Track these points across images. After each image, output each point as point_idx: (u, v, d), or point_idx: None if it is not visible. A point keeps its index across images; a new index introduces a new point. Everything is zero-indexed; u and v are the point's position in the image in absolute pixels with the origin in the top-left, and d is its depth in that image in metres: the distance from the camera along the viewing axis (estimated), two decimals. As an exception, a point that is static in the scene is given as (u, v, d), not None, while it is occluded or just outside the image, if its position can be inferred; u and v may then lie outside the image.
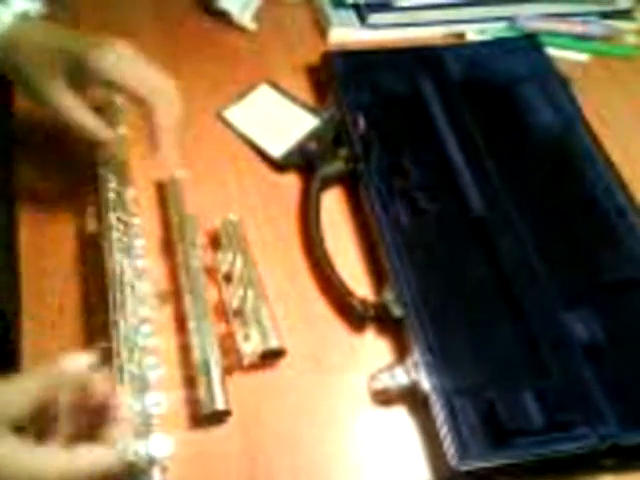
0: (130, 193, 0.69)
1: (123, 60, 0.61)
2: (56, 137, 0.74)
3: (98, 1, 0.88)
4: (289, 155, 0.77)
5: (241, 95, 0.81)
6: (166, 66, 0.73)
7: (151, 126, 0.62)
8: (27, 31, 0.63)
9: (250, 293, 0.64)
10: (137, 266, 0.64)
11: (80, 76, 0.62)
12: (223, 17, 0.88)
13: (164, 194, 0.71)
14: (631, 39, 0.96)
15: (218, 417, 0.59)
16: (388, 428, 0.62)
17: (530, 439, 0.59)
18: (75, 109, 0.63)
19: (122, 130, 0.73)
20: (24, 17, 0.64)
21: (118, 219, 0.66)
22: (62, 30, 0.64)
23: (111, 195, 0.67)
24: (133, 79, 0.62)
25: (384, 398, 0.62)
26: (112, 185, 0.68)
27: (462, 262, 0.70)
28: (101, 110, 0.71)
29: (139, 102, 0.62)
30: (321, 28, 0.91)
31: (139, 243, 0.66)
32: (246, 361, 0.61)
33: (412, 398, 0.62)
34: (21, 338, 0.62)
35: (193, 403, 0.60)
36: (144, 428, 0.55)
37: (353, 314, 0.66)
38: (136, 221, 0.67)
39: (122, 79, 0.61)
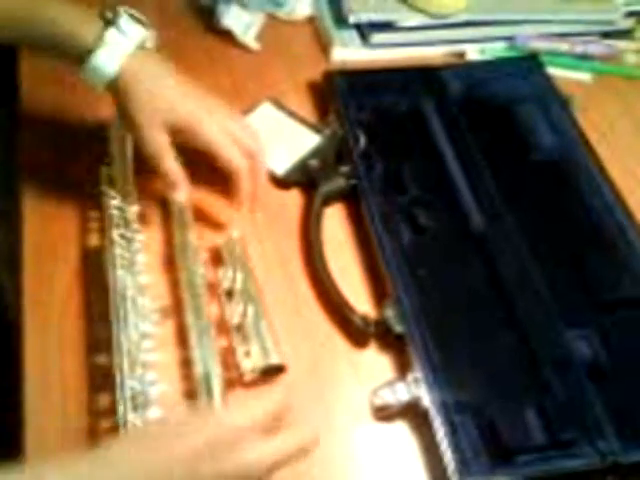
0: (133, 209, 0.69)
1: (222, 134, 0.68)
2: (62, 152, 0.75)
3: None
4: (291, 172, 0.77)
5: (244, 113, 0.82)
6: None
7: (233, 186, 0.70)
8: (139, 71, 0.65)
9: (251, 309, 0.64)
10: (139, 282, 0.65)
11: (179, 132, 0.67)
12: (226, 35, 0.89)
13: (167, 211, 0.72)
14: (632, 59, 0.97)
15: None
16: (389, 444, 0.62)
17: (531, 456, 0.59)
18: (167, 158, 0.67)
19: (129, 152, 0.73)
20: (141, 47, 0.66)
21: (121, 235, 0.66)
22: (172, 79, 0.67)
23: (114, 211, 0.68)
24: (228, 152, 0.68)
25: (385, 414, 0.62)
26: (115, 202, 0.68)
27: (463, 279, 0.70)
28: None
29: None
30: (324, 47, 0.92)
31: (141, 259, 0.67)
32: (247, 378, 0.62)
33: (413, 414, 0.62)
34: (24, 351, 0.63)
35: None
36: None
37: (354, 330, 0.66)
38: (139, 237, 0.68)
39: (217, 152, 0.68)
